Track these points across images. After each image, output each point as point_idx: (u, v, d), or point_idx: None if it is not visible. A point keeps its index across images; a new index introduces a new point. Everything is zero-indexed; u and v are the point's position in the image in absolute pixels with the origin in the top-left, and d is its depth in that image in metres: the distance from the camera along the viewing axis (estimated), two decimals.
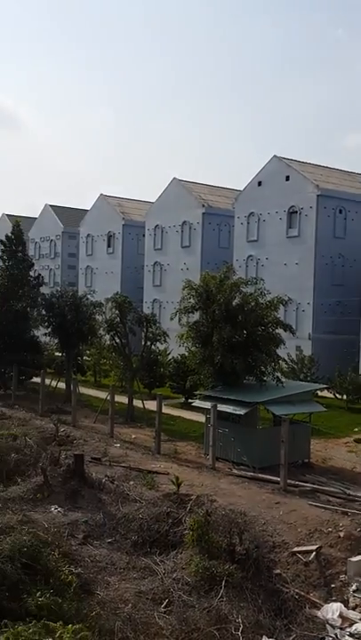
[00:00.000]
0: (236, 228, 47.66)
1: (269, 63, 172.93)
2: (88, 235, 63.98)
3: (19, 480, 16.34)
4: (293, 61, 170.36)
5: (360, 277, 39.62)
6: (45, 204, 73.53)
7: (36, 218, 74.89)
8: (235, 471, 19.64)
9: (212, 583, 11.22)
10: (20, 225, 36.60)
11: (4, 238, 36.19)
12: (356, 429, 27.02)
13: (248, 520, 13.54)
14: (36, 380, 32.42)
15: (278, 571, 12.23)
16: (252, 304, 22.61)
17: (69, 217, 70.82)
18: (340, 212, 43.18)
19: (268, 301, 22.79)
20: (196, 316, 23.71)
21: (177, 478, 15.61)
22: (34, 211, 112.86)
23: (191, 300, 23.28)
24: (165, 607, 10.61)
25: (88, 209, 65.69)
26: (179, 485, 15.39)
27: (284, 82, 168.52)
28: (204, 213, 50.55)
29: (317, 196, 41.81)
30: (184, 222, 51.92)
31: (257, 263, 45.23)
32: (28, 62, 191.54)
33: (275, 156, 45.19)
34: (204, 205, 50.79)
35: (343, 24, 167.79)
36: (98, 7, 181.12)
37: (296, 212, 43.12)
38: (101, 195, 63.09)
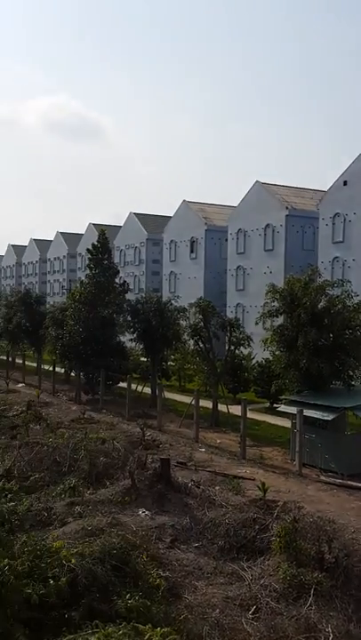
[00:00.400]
0: (321, 230, 46.86)
1: (351, 62, 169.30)
2: (171, 241, 64.64)
3: (107, 483, 16.66)
4: None
5: None
6: (130, 213, 74.93)
7: (120, 226, 76.45)
8: (322, 478, 19.27)
9: (301, 591, 11.02)
10: (105, 233, 37.41)
11: (90, 247, 37.12)
12: None
13: (337, 528, 13.23)
14: (123, 384, 33.00)
15: None
16: (339, 307, 22.16)
17: (153, 224, 71.85)
18: None
19: (355, 304, 22.27)
20: (280, 320, 23.47)
21: (263, 484, 15.48)
22: (119, 219, 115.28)
23: (275, 304, 23.07)
24: (253, 614, 10.52)
25: (171, 215, 66.42)
26: (265, 491, 15.25)
27: None
28: (287, 216, 50.01)
29: None
30: (267, 225, 51.54)
31: (343, 265, 44.30)
32: (109, 74, 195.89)
33: None
34: (287, 207, 50.25)
35: None
36: (175, 16, 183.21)
37: None
38: (184, 201, 63.63)
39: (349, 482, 18.32)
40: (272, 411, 29.84)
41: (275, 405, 29.13)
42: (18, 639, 7.84)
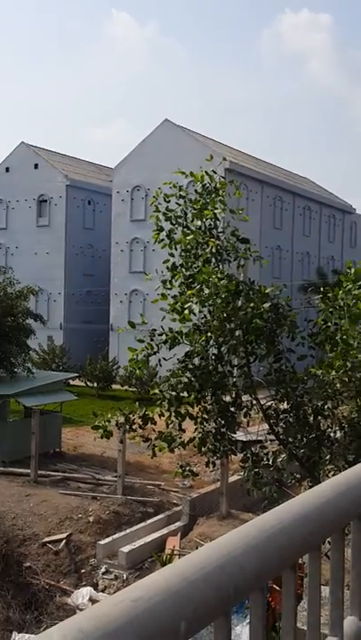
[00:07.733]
0: None
1: (12, 53, 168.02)
2: None
3: None
4: (37, 54, 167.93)
5: (109, 267, 40.69)
6: None
7: None
8: None
9: None
10: None
11: None
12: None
13: None
14: None
15: (28, 564, 12.13)
16: (1, 294, 22.03)
17: None
18: (89, 203, 43.91)
19: (17, 291, 22.44)
20: None
21: None
22: None
23: None
24: None
25: None
26: None
27: (27, 72, 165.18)
28: None
29: (67, 186, 41.98)
30: None
31: (6, 252, 44.04)
32: None
33: (22, 142, 44.30)
34: None
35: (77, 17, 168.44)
36: None
37: (46, 200, 42.83)
38: None
39: (10, 468, 18.38)
40: None
41: None
42: None
